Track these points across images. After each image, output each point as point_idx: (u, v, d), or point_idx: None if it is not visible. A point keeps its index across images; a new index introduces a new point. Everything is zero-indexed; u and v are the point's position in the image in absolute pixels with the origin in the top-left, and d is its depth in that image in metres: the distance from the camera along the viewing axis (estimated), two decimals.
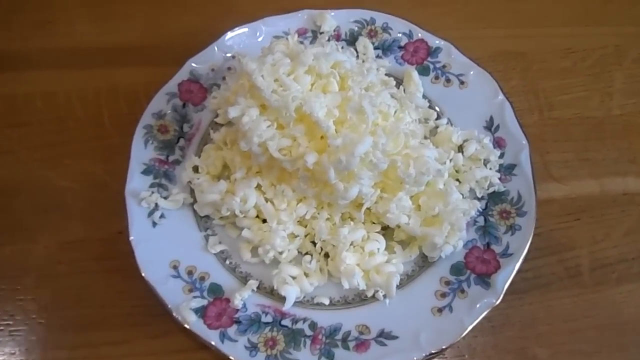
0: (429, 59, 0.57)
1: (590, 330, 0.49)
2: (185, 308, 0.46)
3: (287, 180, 0.49)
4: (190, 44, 0.58)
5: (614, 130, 0.57)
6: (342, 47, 0.51)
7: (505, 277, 0.47)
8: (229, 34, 0.57)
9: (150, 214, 0.51)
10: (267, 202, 0.49)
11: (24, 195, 0.55)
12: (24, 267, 0.52)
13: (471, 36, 0.61)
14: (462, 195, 0.50)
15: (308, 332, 0.47)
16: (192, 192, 0.52)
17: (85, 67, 0.62)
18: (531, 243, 0.49)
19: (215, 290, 0.48)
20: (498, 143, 0.53)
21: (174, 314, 0.46)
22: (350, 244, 0.48)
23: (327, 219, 0.49)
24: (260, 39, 0.58)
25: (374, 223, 0.50)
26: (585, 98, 0.59)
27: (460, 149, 0.53)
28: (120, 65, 0.62)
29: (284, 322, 0.47)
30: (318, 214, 0.49)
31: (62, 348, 0.49)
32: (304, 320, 0.47)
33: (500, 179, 0.51)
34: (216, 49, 0.57)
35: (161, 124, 0.55)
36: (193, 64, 0.57)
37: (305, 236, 0.50)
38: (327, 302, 0.48)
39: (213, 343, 0.45)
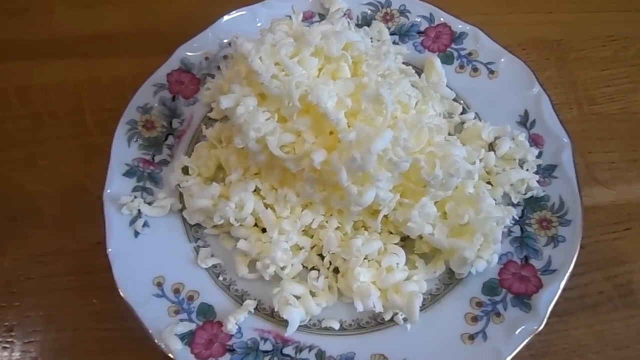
0: (452, 45, 0.50)
1: None
2: (170, 333, 0.39)
3: (290, 183, 0.42)
4: (182, 31, 0.51)
5: None
6: (355, 26, 0.44)
7: (549, 298, 0.40)
8: (225, 18, 0.51)
9: (132, 222, 0.44)
10: (266, 208, 0.42)
11: None
12: None
13: (499, 22, 0.55)
14: (495, 200, 0.43)
15: None
16: (181, 197, 0.45)
17: (65, 57, 0.56)
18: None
19: (206, 312, 0.41)
20: (535, 141, 0.46)
21: (156, 341, 0.39)
22: (365, 258, 0.41)
23: (337, 228, 0.42)
24: (259, 24, 0.51)
25: (391, 233, 0.43)
26: (630, 91, 0.52)
27: (491, 147, 0.46)
28: (103, 55, 0.56)
29: (285, 351, 0.40)
30: (326, 222, 0.42)
31: None
32: (310, 348, 0.40)
33: (538, 181, 0.44)
34: (210, 34, 0.51)
35: (147, 119, 0.48)
36: (184, 52, 0.50)
37: (312, 248, 0.43)
38: (337, 326, 0.41)
39: None
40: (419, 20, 0.51)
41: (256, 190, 0.43)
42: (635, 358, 0.42)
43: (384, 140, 0.36)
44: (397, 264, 0.41)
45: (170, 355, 0.39)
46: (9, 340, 0.44)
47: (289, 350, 0.40)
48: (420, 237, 0.42)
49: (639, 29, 0.55)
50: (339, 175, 0.37)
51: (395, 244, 0.42)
